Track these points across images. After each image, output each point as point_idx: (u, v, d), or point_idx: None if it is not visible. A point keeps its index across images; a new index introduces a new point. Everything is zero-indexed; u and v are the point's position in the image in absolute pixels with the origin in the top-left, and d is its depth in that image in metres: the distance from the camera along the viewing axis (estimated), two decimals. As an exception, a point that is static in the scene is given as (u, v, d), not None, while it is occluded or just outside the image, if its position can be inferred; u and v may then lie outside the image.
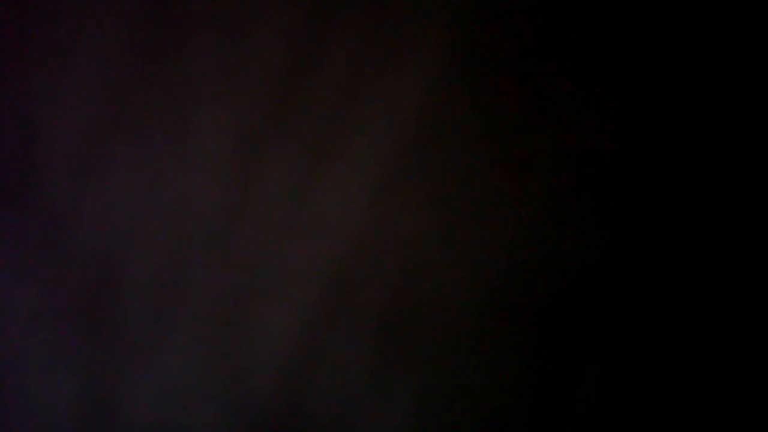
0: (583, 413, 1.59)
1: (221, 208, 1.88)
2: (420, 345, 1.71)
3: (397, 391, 1.73)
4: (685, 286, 1.53)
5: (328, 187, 1.78)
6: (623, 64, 1.56)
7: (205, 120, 1.89)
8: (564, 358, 1.60)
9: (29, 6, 2.04)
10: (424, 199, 1.70)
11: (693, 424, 1.52)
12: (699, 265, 1.52)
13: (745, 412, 1.49)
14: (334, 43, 1.77)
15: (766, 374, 1.47)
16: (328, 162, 1.78)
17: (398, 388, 1.73)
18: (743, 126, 1.49)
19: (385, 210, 1.74)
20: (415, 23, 1.70)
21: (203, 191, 1.90)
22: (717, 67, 1.50)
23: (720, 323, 1.50)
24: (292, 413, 1.83)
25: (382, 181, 1.74)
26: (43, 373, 2.07)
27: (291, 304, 1.82)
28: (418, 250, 1.71)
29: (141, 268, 1.96)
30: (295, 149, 1.81)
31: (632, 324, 1.56)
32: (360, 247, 1.76)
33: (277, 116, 1.83)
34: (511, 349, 1.64)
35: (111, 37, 1.96)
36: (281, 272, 1.83)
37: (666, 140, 1.54)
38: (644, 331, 1.55)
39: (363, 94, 1.75)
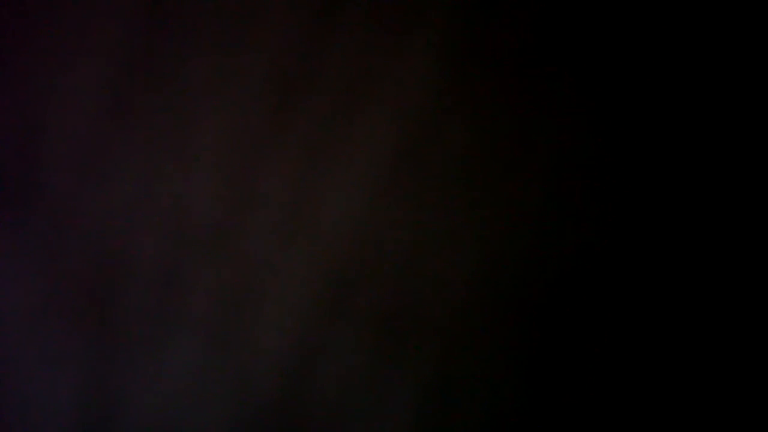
0: (583, 411, 1.59)
1: (222, 208, 1.88)
2: (420, 345, 1.71)
3: (397, 391, 1.73)
4: (682, 282, 1.53)
5: (328, 187, 1.78)
6: (623, 64, 1.56)
7: (205, 120, 1.89)
8: (564, 356, 1.60)
9: (30, 6, 2.04)
10: (423, 199, 1.70)
11: (691, 420, 1.52)
12: (696, 261, 1.52)
13: (743, 410, 1.49)
14: (334, 43, 1.77)
15: (763, 371, 1.47)
16: (328, 162, 1.78)
17: (398, 388, 1.73)
18: (741, 126, 1.49)
19: (385, 210, 1.73)
20: (414, 23, 1.70)
21: (204, 191, 1.90)
22: (716, 67, 1.50)
23: (717, 320, 1.50)
24: (292, 413, 1.83)
25: (382, 181, 1.74)
26: (43, 373, 2.07)
27: (291, 304, 1.82)
28: (418, 250, 1.71)
29: (142, 268, 1.96)
30: (295, 149, 1.81)
31: (632, 321, 1.56)
32: (360, 247, 1.76)
33: (278, 116, 1.82)
34: (512, 348, 1.64)
35: (111, 37, 1.96)
36: (282, 272, 1.83)
37: (662, 140, 1.54)
38: (643, 329, 1.55)
39: (363, 94, 1.75)
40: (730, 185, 1.49)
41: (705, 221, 1.51)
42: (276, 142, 1.83)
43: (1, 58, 2.07)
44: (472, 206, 1.67)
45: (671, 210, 1.53)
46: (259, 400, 1.86)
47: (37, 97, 2.04)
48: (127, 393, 1.98)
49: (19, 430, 2.12)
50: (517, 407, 1.64)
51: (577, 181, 1.59)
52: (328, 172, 1.78)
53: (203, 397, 1.91)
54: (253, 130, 1.84)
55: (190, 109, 1.90)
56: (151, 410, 1.96)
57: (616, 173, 1.56)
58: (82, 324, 2.03)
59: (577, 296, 1.59)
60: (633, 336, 1.55)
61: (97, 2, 1.97)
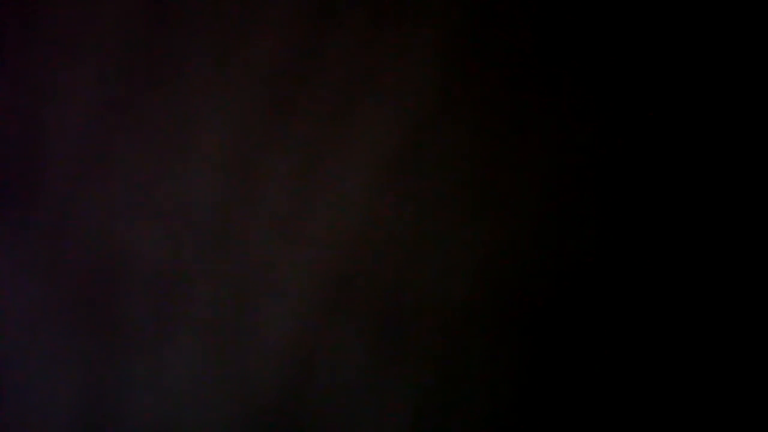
0: (583, 411, 1.59)
1: (222, 208, 1.88)
2: (420, 345, 1.71)
3: (397, 391, 1.73)
4: (682, 283, 1.53)
5: (328, 187, 1.78)
6: (623, 65, 1.56)
7: (205, 120, 1.89)
8: (563, 356, 1.60)
9: (31, 7, 2.04)
10: (424, 199, 1.70)
11: (691, 420, 1.52)
12: (696, 262, 1.52)
13: (744, 410, 1.49)
14: (334, 43, 1.77)
15: (764, 371, 1.47)
16: (328, 161, 1.78)
17: (398, 388, 1.73)
18: (741, 126, 1.49)
19: (385, 209, 1.74)
20: (414, 23, 1.70)
21: (204, 191, 1.90)
22: (716, 67, 1.50)
23: (717, 321, 1.50)
24: (292, 412, 1.83)
25: (382, 181, 1.74)
26: (43, 373, 2.07)
27: (291, 304, 1.82)
28: (418, 250, 1.71)
29: (142, 268, 1.96)
30: (295, 149, 1.81)
31: (631, 321, 1.56)
32: (360, 246, 1.76)
33: (278, 116, 1.83)
34: (511, 348, 1.64)
35: (112, 37, 1.96)
36: (282, 272, 1.83)
37: (663, 141, 1.54)
38: (643, 329, 1.55)
39: (363, 94, 1.75)
40: (730, 187, 1.49)
41: (705, 223, 1.51)
42: (276, 142, 1.83)
43: (1, 58, 2.07)
44: (473, 206, 1.67)
45: (671, 212, 1.53)
46: (259, 400, 1.86)
47: (37, 97, 2.04)
48: (127, 393, 1.99)
49: (20, 429, 2.12)
50: (517, 407, 1.64)
51: (577, 181, 1.59)
52: (328, 172, 1.78)
53: (203, 396, 1.91)
54: (254, 129, 1.85)
55: (190, 109, 1.90)
56: (151, 410, 1.97)
57: (616, 174, 1.56)
58: (82, 324, 2.03)
59: (577, 297, 1.59)
60: (632, 336, 1.55)
61: (97, 2, 1.98)
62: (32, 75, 2.04)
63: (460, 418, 1.68)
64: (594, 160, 1.58)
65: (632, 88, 1.55)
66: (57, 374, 2.05)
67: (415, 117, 1.70)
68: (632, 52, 1.55)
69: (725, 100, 1.50)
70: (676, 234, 1.53)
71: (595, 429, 1.58)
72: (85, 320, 2.02)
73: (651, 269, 1.54)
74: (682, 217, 1.53)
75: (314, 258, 1.80)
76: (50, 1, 2.02)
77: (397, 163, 1.72)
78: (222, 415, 1.90)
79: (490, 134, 1.65)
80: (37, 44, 2.04)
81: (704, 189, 1.51)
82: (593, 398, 1.58)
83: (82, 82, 1.99)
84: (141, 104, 1.95)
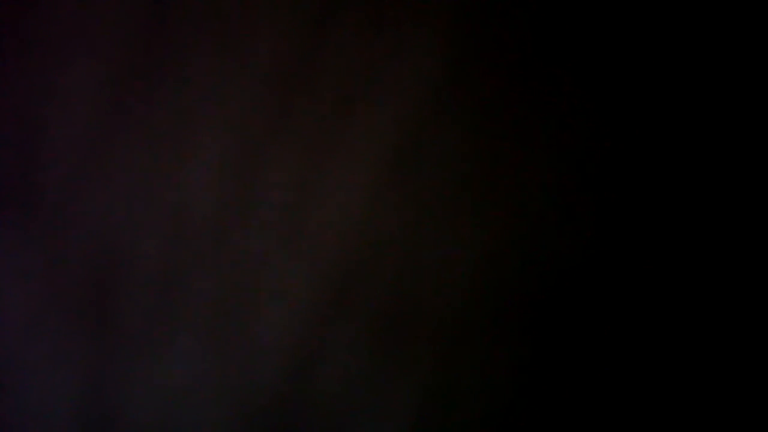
0: (583, 411, 1.59)
1: (222, 208, 1.88)
2: (420, 345, 1.71)
3: (397, 391, 1.73)
4: (681, 281, 1.53)
5: (328, 187, 1.78)
6: (623, 65, 1.56)
7: (205, 120, 1.89)
8: (563, 356, 1.60)
9: (30, 6, 2.04)
10: (423, 199, 1.70)
11: (691, 420, 1.52)
12: (696, 260, 1.52)
13: (744, 410, 1.49)
14: (334, 42, 1.77)
15: (764, 371, 1.48)
16: (328, 162, 1.78)
17: (398, 388, 1.73)
18: (741, 126, 1.49)
19: (385, 210, 1.74)
20: (415, 23, 1.70)
21: (204, 191, 1.90)
22: (716, 67, 1.50)
23: (717, 319, 1.50)
24: (292, 412, 1.83)
25: (382, 181, 1.74)
26: (43, 373, 2.07)
27: (291, 304, 1.82)
28: (418, 250, 1.71)
29: (142, 268, 1.96)
30: (295, 149, 1.81)
31: (631, 321, 1.56)
32: (360, 247, 1.76)
33: (278, 116, 1.83)
34: (512, 348, 1.64)
35: (111, 37, 1.96)
36: (282, 272, 1.83)
37: (662, 140, 1.54)
38: (643, 328, 1.55)
39: (363, 94, 1.75)
40: (729, 185, 1.49)
41: (704, 221, 1.51)
42: (276, 142, 1.83)
43: (1, 58, 2.07)
44: (472, 206, 1.67)
45: (670, 210, 1.53)
46: (259, 400, 1.86)
47: (37, 97, 2.04)
48: (127, 393, 1.99)
49: (19, 429, 2.12)
50: (517, 407, 1.64)
51: (576, 180, 1.59)
52: (328, 172, 1.78)
53: (203, 397, 1.91)
54: (253, 129, 1.85)
55: (190, 109, 1.90)
56: (151, 410, 1.96)
57: (615, 173, 1.56)
58: (82, 324, 2.03)
59: (577, 296, 1.59)
60: (632, 335, 1.55)
61: (97, 2, 1.98)
62: (32, 75, 2.04)
63: (460, 418, 1.68)
64: (593, 160, 1.58)
65: (632, 88, 1.55)
66: (56, 374, 2.05)
67: (415, 117, 1.70)
68: (632, 52, 1.55)
69: (725, 100, 1.50)
70: (676, 234, 1.53)
71: (595, 428, 1.58)
72: (85, 320, 2.02)
73: (650, 269, 1.54)
74: (682, 217, 1.53)
75: (314, 258, 1.80)
76: (50, 1, 2.02)
77: (397, 163, 1.72)
78: (222, 415, 1.90)
79: (490, 134, 1.65)
80: (36, 44, 2.04)
81: (703, 188, 1.51)
82: (593, 398, 1.58)
83: (81, 82, 1.99)
84: (141, 104, 1.95)
